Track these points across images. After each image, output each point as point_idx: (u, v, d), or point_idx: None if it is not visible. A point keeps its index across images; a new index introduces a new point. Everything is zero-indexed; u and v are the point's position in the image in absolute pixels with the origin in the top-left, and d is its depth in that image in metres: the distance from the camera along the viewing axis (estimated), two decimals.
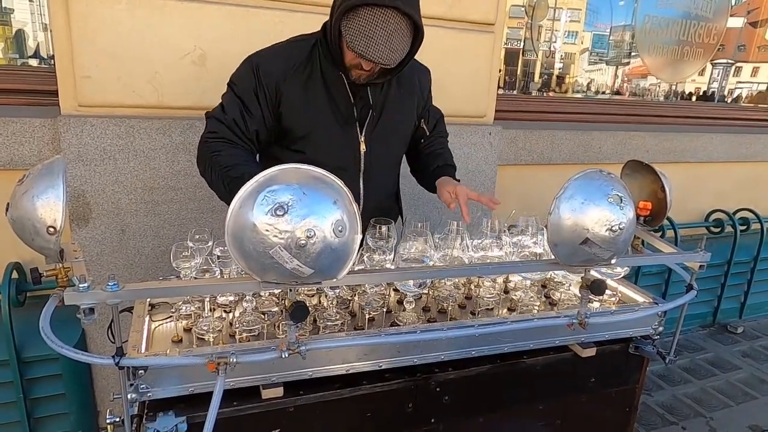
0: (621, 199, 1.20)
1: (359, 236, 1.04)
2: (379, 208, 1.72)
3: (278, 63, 1.52)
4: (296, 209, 0.94)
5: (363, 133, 1.62)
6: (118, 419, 1.15)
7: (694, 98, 4.32)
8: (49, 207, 1.01)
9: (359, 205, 1.63)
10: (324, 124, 1.57)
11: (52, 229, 1.01)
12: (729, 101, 4.53)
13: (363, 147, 1.63)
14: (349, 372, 1.25)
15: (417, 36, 1.44)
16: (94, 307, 0.97)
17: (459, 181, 1.72)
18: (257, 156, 1.64)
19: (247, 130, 1.51)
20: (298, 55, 1.54)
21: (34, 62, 2.47)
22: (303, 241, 0.95)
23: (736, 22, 4.33)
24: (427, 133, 1.83)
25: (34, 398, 2.08)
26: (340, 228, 0.98)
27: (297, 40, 1.59)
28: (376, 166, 1.67)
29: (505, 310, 1.53)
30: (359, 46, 1.36)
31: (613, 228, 1.19)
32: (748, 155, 3.76)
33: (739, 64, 4.55)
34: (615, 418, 1.66)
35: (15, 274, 2.01)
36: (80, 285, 0.96)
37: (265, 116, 1.53)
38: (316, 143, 1.58)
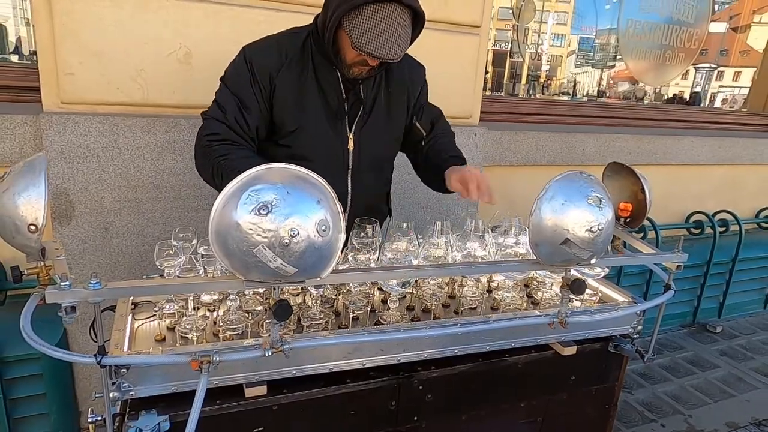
0: (600, 201, 1.23)
1: (343, 236, 1.05)
2: (368, 206, 1.71)
3: (272, 56, 1.51)
4: (280, 208, 0.95)
5: (352, 131, 1.61)
6: (99, 418, 1.14)
7: (678, 100, 4.40)
8: (30, 205, 1.00)
9: (347, 203, 1.64)
10: (314, 119, 1.55)
11: (33, 227, 1.01)
12: (713, 105, 4.61)
13: (351, 144, 1.61)
14: (333, 371, 1.26)
15: (416, 23, 1.44)
16: (76, 305, 0.97)
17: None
18: None
19: (249, 129, 1.49)
20: (291, 49, 1.53)
21: (14, 58, 2.44)
22: (287, 240, 0.95)
23: (719, 27, 4.42)
24: (424, 135, 1.76)
25: (14, 398, 2.06)
26: (323, 227, 0.99)
27: (290, 33, 1.57)
28: (364, 164, 1.66)
29: (489, 310, 1.54)
30: (368, 45, 1.35)
31: (593, 229, 1.21)
32: (728, 158, 3.83)
33: (721, 68, 4.64)
34: (595, 416, 1.69)
35: None
36: (62, 283, 0.95)
37: (261, 109, 1.51)
38: (304, 138, 1.56)
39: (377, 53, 1.36)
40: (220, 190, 1.48)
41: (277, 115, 1.54)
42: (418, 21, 1.44)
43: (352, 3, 1.33)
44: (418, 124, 1.75)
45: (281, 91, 1.51)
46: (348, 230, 1.24)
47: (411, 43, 1.47)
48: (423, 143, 1.77)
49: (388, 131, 1.70)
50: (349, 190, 1.65)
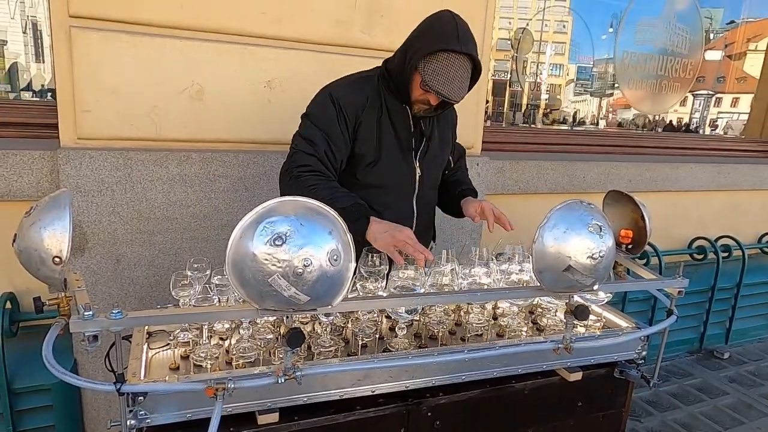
0: (600, 228, 1.27)
1: (353, 264, 1.09)
2: (426, 225, 1.91)
3: (356, 94, 1.68)
4: (294, 239, 1.00)
5: (417, 159, 1.80)
6: None
7: (675, 128, 4.46)
8: (56, 238, 1.06)
9: (413, 223, 1.81)
10: (390, 151, 1.73)
11: (57, 259, 1.06)
12: (713, 130, 4.68)
13: (418, 171, 1.80)
14: (343, 397, 1.28)
15: (475, 73, 1.63)
16: (98, 334, 1.01)
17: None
18: None
19: (336, 161, 1.64)
20: (369, 89, 1.71)
21: (27, 95, 2.51)
22: (300, 270, 1.00)
23: (715, 55, 4.53)
24: (452, 165, 2.04)
25: (24, 430, 2.06)
26: (335, 257, 1.03)
27: (364, 76, 1.75)
28: (426, 187, 1.86)
29: (494, 336, 1.57)
30: (438, 85, 1.55)
31: (594, 256, 1.25)
32: (727, 184, 3.88)
33: (719, 95, 4.72)
34: None
35: (8, 305, 2.02)
36: (85, 313, 0.99)
37: (346, 143, 1.66)
38: (381, 168, 1.72)
39: (445, 93, 1.56)
40: None
41: (359, 148, 1.69)
42: (476, 71, 1.64)
43: (433, 48, 1.54)
44: (450, 158, 2.01)
45: (365, 126, 1.68)
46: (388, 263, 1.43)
47: (469, 90, 1.66)
48: (447, 171, 2.02)
49: (441, 160, 1.92)
50: (415, 211, 1.83)
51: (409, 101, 1.68)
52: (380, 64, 1.77)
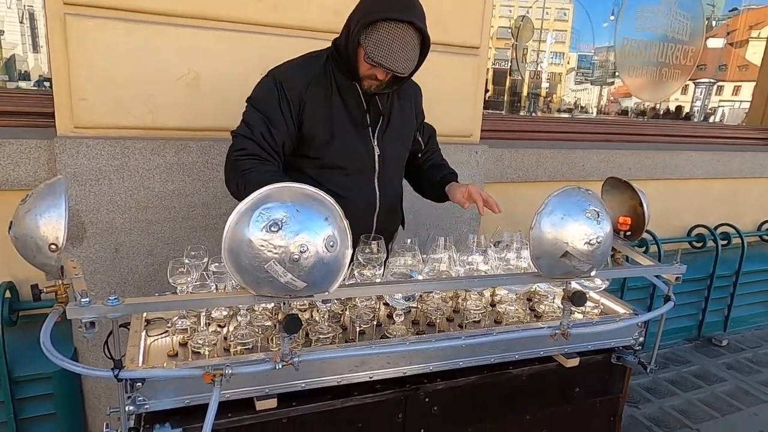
0: (598, 215, 1.27)
1: (350, 251, 1.09)
2: (391, 210, 1.86)
3: (299, 76, 1.64)
4: (290, 225, 1.00)
5: (375, 137, 1.75)
6: None
7: (675, 115, 4.45)
8: (52, 225, 1.05)
9: (375, 204, 1.76)
10: (342, 129, 1.68)
11: (54, 246, 1.06)
12: (714, 119, 4.65)
13: (377, 150, 1.75)
14: (341, 383, 1.29)
15: (423, 47, 1.58)
16: (95, 321, 1.01)
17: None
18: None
19: (275, 144, 1.60)
20: (314, 69, 1.67)
21: (23, 84, 2.50)
22: (296, 256, 1.00)
23: (717, 42, 4.49)
24: (422, 147, 1.97)
25: (25, 418, 2.08)
26: (331, 243, 1.03)
27: (311, 57, 1.71)
28: (389, 168, 1.80)
29: (492, 323, 1.57)
30: (380, 56, 1.50)
31: (591, 242, 1.25)
32: (727, 172, 3.87)
33: (720, 83, 4.69)
34: (600, 428, 1.70)
35: (8, 294, 2.03)
36: (82, 300, 1.00)
37: (288, 126, 1.62)
38: (336, 148, 1.68)
39: (387, 64, 1.51)
40: None
41: (308, 129, 1.65)
42: (424, 45, 1.58)
43: (371, 18, 1.49)
44: (419, 137, 1.95)
45: (311, 107, 1.64)
46: (353, 246, 1.30)
47: (418, 66, 1.61)
48: (420, 155, 1.97)
49: (404, 137, 1.87)
50: (377, 191, 1.77)
51: (358, 78, 1.62)
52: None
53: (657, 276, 1.70)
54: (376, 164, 1.75)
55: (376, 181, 1.76)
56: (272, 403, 1.21)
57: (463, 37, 2.60)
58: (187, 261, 1.36)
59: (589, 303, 1.43)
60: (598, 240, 1.26)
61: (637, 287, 3.45)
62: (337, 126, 1.67)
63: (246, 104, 1.66)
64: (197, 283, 1.36)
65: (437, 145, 2.05)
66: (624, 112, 4.34)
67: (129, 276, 2.20)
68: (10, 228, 1.08)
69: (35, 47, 2.52)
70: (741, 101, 4.71)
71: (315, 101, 1.64)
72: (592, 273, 1.34)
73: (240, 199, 1.54)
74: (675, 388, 3.12)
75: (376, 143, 1.74)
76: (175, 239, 2.23)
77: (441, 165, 1.96)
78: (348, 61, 1.60)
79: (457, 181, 1.85)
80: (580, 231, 1.25)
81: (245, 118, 1.63)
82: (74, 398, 2.21)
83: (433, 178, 1.89)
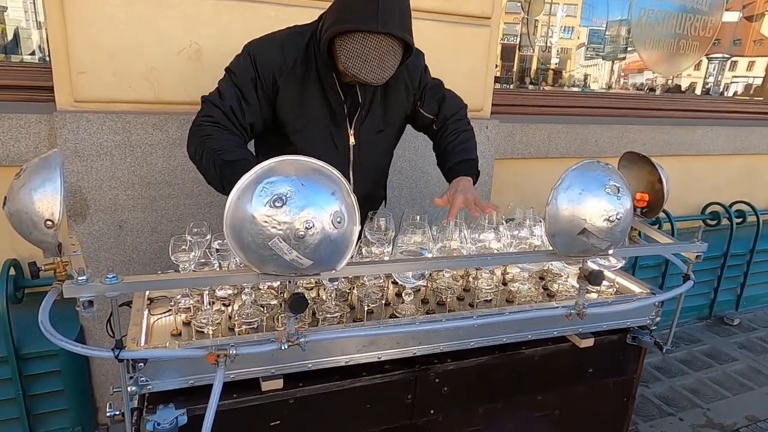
0: (618, 190, 1.21)
1: (357, 227, 1.04)
2: (366, 196, 1.74)
3: (276, 57, 1.53)
4: (295, 200, 0.95)
5: (352, 128, 1.66)
6: (118, 412, 1.15)
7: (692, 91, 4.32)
8: (47, 200, 1.01)
9: None
10: (317, 119, 1.60)
11: (49, 223, 1.01)
12: (726, 95, 4.52)
13: (352, 140, 1.67)
14: (349, 364, 1.25)
15: (407, 50, 1.47)
16: (94, 300, 0.97)
17: (474, 176, 1.69)
18: (249, 144, 1.64)
19: (243, 120, 1.52)
20: (294, 50, 1.55)
21: (29, 59, 2.45)
22: (302, 233, 0.95)
23: (732, 16, 4.33)
24: (432, 117, 1.79)
25: (33, 395, 2.08)
26: (338, 219, 0.98)
27: (294, 33, 1.59)
28: (365, 158, 1.71)
29: (504, 302, 1.53)
30: (353, 68, 1.40)
31: (611, 218, 1.19)
32: (743, 148, 3.77)
33: (734, 59, 4.54)
34: (613, 409, 1.67)
35: (12, 271, 2.01)
36: (79, 278, 0.96)
37: (262, 107, 1.54)
38: (308, 137, 1.61)
39: (362, 77, 1.41)
40: (199, 167, 1.50)
41: (281, 113, 1.58)
42: (407, 48, 1.47)
43: (343, 28, 1.37)
44: (422, 111, 1.78)
45: (284, 93, 1.55)
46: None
47: (399, 66, 1.48)
48: (434, 126, 1.81)
49: (386, 127, 1.74)
50: (351, 181, 1.69)
51: (337, 70, 1.51)
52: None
53: (675, 254, 1.64)
54: (351, 154, 1.67)
55: (351, 171, 1.69)
56: (278, 383, 1.18)
57: (474, 6, 2.51)
58: (189, 238, 1.32)
59: (604, 282, 1.37)
60: (618, 217, 1.20)
61: (649, 266, 3.40)
62: (312, 114, 1.59)
63: (225, 72, 1.57)
64: (200, 260, 1.32)
65: (458, 111, 1.81)
66: (636, 89, 4.22)
67: (134, 253, 2.17)
68: (4, 203, 1.04)
69: (38, 24, 2.46)
70: (755, 77, 4.57)
71: (290, 87, 1.55)
72: (611, 251, 1.29)
73: (196, 163, 1.51)
74: (686, 368, 3.09)
75: (352, 132, 1.65)
76: (179, 216, 2.19)
77: (456, 150, 1.73)
78: (324, 58, 1.49)
79: (469, 174, 1.67)
80: (600, 207, 1.19)
81: (220, 86, 1.54)
82: (81, 375, 2.21)
83: (443, 165, 1.77)
